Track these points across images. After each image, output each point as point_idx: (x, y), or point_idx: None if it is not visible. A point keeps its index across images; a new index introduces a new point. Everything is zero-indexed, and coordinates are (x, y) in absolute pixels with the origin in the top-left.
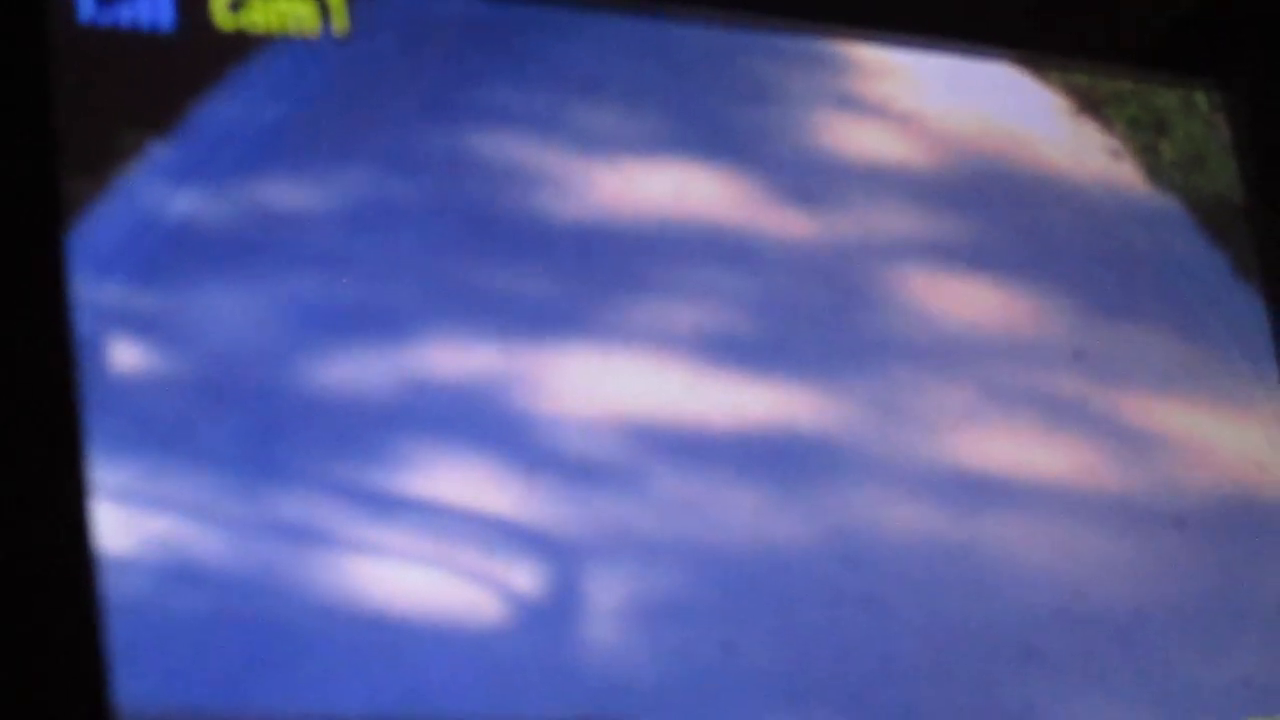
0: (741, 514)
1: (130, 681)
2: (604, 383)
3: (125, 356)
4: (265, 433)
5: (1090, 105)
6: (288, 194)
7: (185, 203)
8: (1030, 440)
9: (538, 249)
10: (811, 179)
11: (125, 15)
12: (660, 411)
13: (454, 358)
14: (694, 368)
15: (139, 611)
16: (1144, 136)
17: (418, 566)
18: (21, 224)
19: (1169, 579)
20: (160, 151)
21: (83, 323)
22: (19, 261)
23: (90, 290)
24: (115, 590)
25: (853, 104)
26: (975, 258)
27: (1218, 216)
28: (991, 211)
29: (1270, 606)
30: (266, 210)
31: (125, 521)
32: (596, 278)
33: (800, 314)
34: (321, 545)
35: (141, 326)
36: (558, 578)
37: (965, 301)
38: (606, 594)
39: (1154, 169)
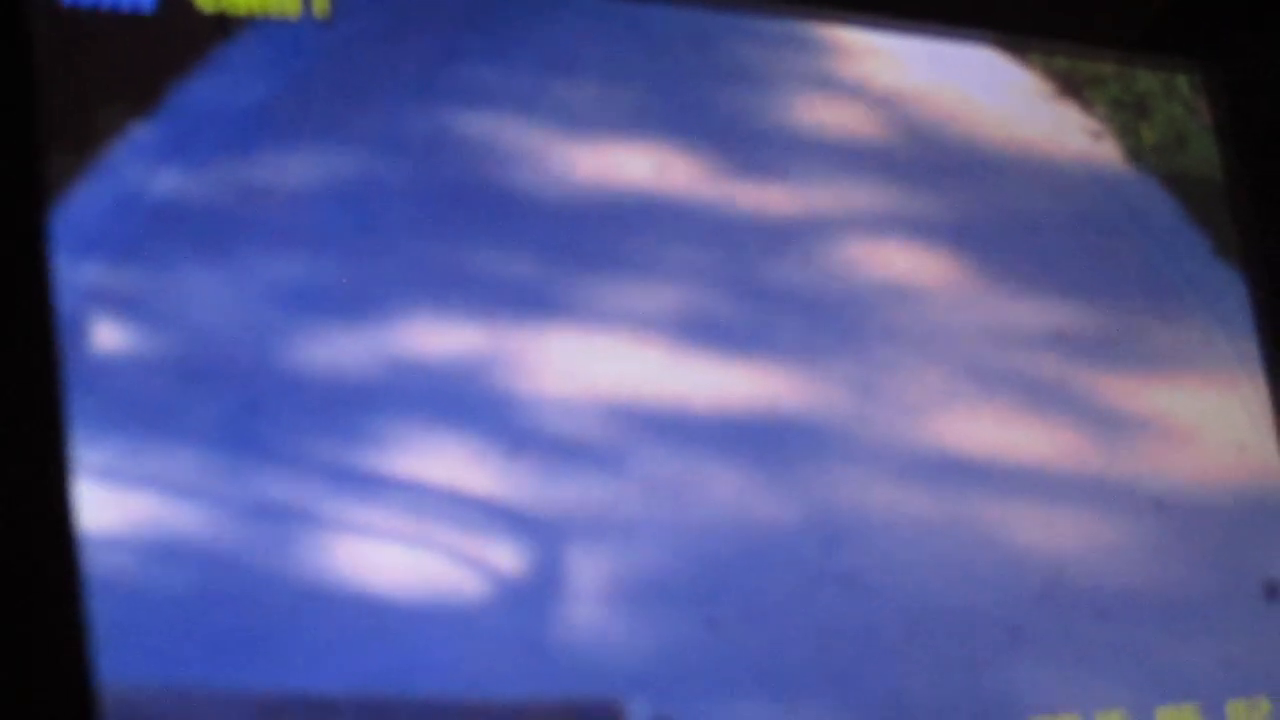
0: (723, 493)
1: (113, 658)
2: (585, 362)
3: (107, 336)
4: (248, 412)
5: (1071, 87)
6: (269, 174)
7: (167, 183)
8: (1011, 421)
9: (519, 228)
10: (792, 159)
11: None
12: (641, 391)
13: (436, 337)
14: (675, 347)
15: (122, 589)
16: (1125, 118)
17: (400, 545)
18: (3, 204)
19: (1150, 560)
20: (141, 132)
21: (64, 302)
22: (1, 242)
23: (72, 270)
24: (98, 568)
25: (833, 85)
26: (956, 239)
27: (1198, 198)
28: (972, 193)
29: (1251, 588)
30: (248, 190)
31: (108, 500)
32: (577, 257)
33: (781, 294)
34: (304, 524)
35: (123, 306)
36: (539, 557)
37: (947, 281)
38: (588, 573)
39: (1135, 151)
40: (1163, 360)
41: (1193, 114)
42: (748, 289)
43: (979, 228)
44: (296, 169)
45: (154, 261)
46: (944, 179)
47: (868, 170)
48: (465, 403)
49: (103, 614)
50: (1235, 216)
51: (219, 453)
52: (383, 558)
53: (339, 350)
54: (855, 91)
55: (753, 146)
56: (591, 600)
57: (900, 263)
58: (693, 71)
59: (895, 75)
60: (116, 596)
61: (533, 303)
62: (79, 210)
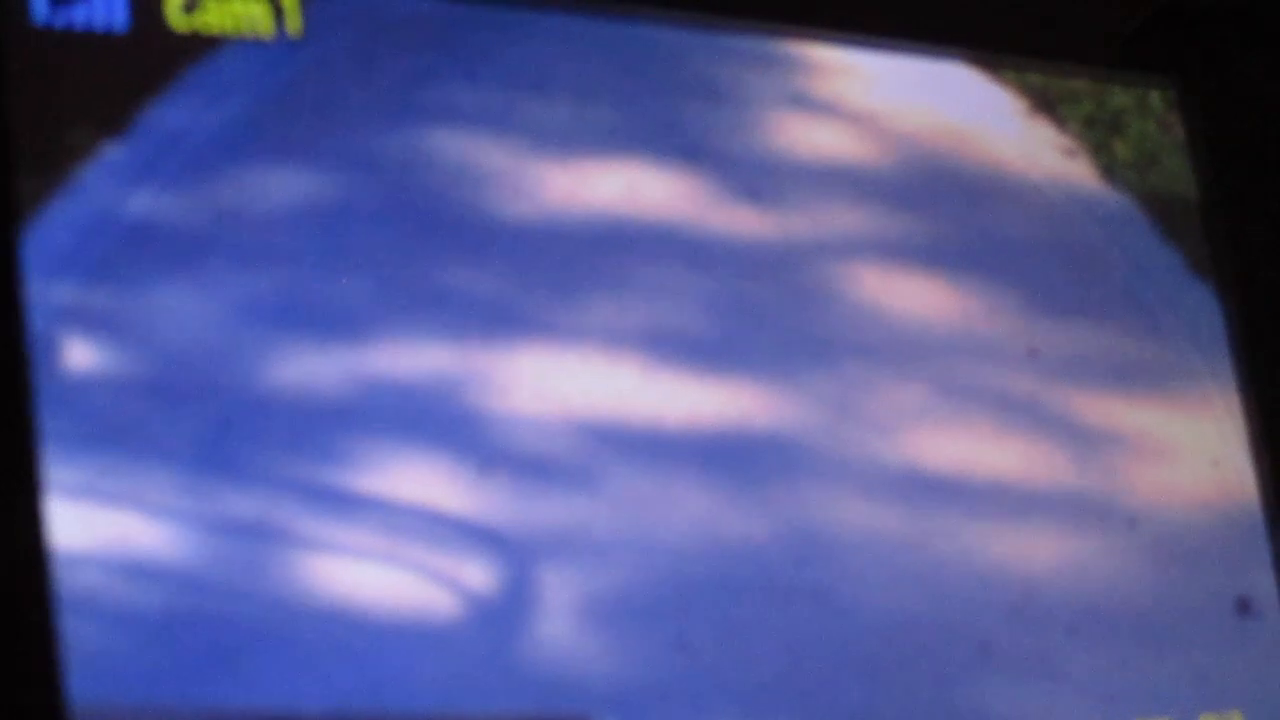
0: (694, 511)
1: (84, 677)
2: (557, 381)
3: (79, 355)
4: (219, 430)
5: (1044, 104)
6: (241, 194)
7: (139, 202)
8: (984, 438)
9: (490, 247)
10: (763, 177)
11: (79, 16)
12: (613, 410)
13: (408, 356)
14: (646, 366)
15: (93, 607)
16: (1098, 135)
17: (372, 563)
18: None
19: (1122, 577)
20: (114, 152)
21: (36, 321)
22: None
23: (44, 289)
24: (69, 586)
25: (805, 103)
26: (929, 256)
27: (1172, 215)
28: (945, 210)
29: (1223, 604)
30: (220, 210)
31: (79, 518)
32: (549, 276)
33: (753, 312)
34: (276, 542)
35: (95, 325)
36: (511, 574)
37: (918, 299)
38: (560, 590)
39: (1108, 168)
40: (1136, 377)
41: (1166, 131)
42: (719, 307)
43: (952, 245)
44: (269, 188)
45: (126, 281)
46: (917, 196)
47: (841, 188)
48: (437, 421)
49: (74, 633)
50: (1208, 233)
51: (191, 472)
52: (354, 576)
53: (311, 369)
54: (828, 110)
55: (725, 165)
56: (562, 618)
57: (874, 281)
58: (665, 90)
59: (869, 93)
60: (88, 615)
61: (504, 321)
62: (51, 230)
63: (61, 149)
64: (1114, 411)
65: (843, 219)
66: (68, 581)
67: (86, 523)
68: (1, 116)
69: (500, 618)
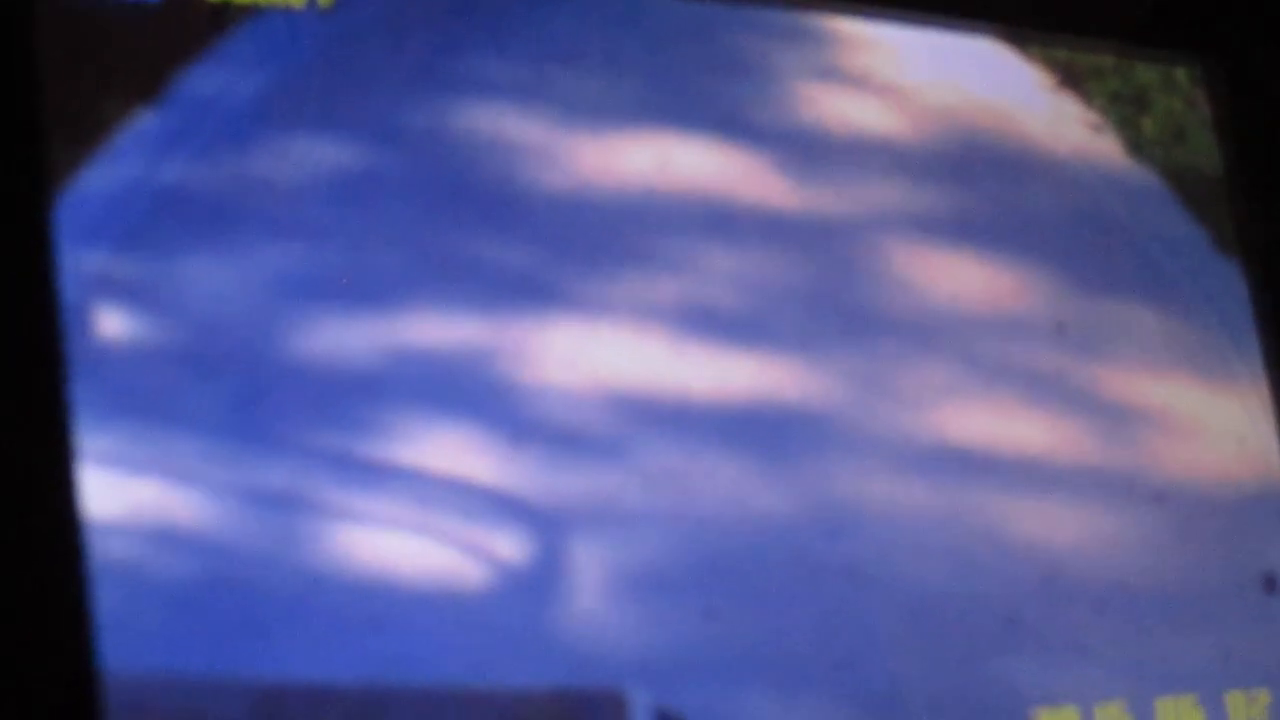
0: (724, 485)
1: (115, 646)
2: (588, 353)
3: (111, 323)
4: (250, 400)
5: (1071, 80)
6: (272, 164)
7: (170, 172)
8: (1011, 413)
9: (521, 219)
10: (793, 151)
11: None
12: (644, 382)
13: (438, 327)
14: (677, 338)
15: (124, 576)
16: (1124, 111)
17: (402, 534)
18: (8, 191)
19: (1149, 553)
20: (146, 121)
21: (69, 290)
22: (5, 229)
23: (76, 257)
24: (101, 555)
25: (834, 77)
26: (957, 231)
27: (1198, 191)
28: (973, 185)
29: (1250, 581)
30: (251, 179)
31: (111, 487)
32: (580, 248)
33: (783, 286)
34: (307, 512)
35: (127, 294)
36: (541, 546)
37: (947, 275)
38: (589, 563)
39: (1134, 144)
40: (1162, 354)
41: (1192, 107)
42: (749, 280)
43: (980, 220)
44: (300, 158)
45: (158, 250)
46: (946, 171)
47: (869, 162)
48: (467, 392)
49: (106, 601)
50: (1234, 211)
51: (222, 441)
52: (385, 546)
53: (342, 339)
54: (857, 84)
55: (753, 138)
56: (592, 590)
57: (901, 255)
58: (693, 63)
59: (896, 67)
60: (119, 584)
61: (534, 293)
62: (83, 198)
63: (94, 118)
64: (1141, 387)
65: (871, 193)
66: (99, 550)
67: (118, 492)
68: (35, 86)
69: (530, 589)
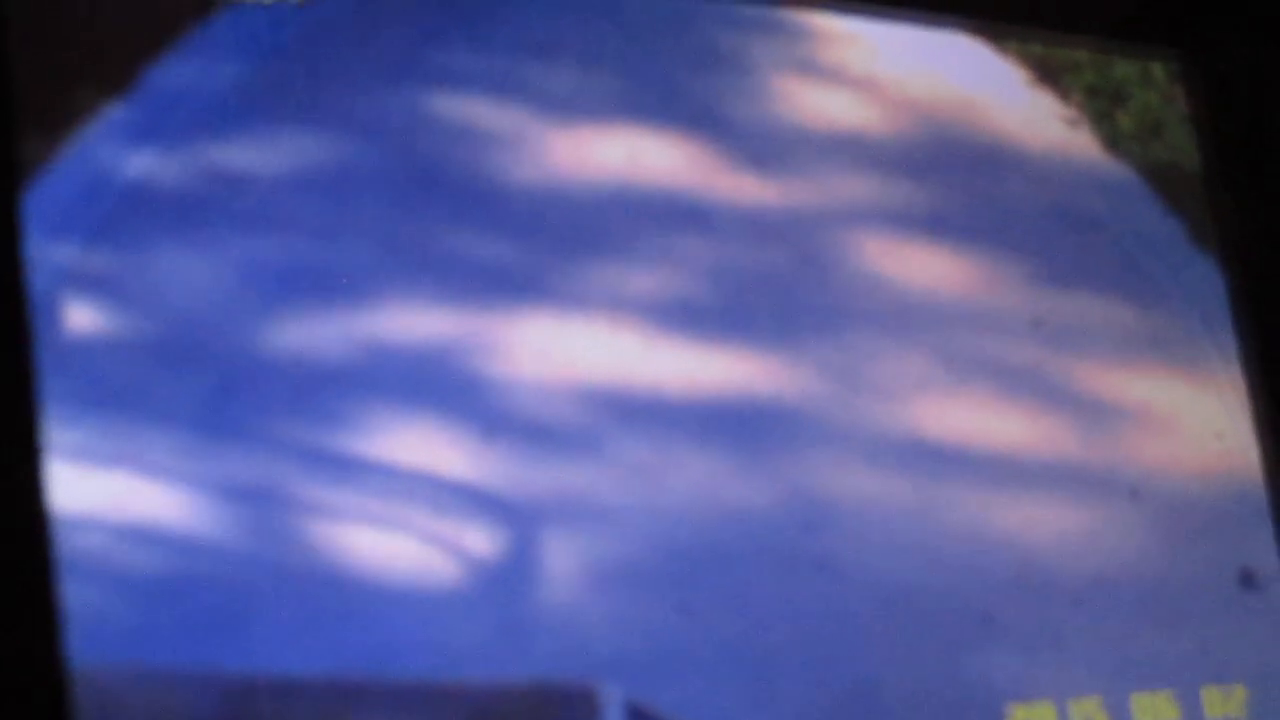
0: (698, 479)
1: (84, 640)
2: (560, 347)
3: (81, 317)
4: (221, 393)
5: (1048, 74)
6: (244, 155)
7: (141, 163)
8: (987, 408)
9: (494, 212)
10: (767, 145)
11: None
12: (616, 376)
13: (410, 320)
14: (650, 332)
15: (93, 570)
16: (1101, 106)
17: (374, 528)
18: None
19: (1125, 548)
20: (116, 112)
21: (38, 283)
22: None
23: (45, 250)
24: (70, 549)
25: (809, 71)
26: (932, 225)
27: (1175, 186)
28: (948, 179)
29: (1226, 576)
30: (222, 171)
31: (80, 481)
32: (552, 241)
33: (756, 280)
34: (277, 506)
35: (97, 287)
36: (514, 541)
37: (922, 268)
38: (563, 557)
39: (1111, 138)
40: (1139, 349)
41: (1169, 102)
42: (723, 274)
43: (956, 215)
44: (271, 151)
45: (128, 243)
46: (922, 166)
47: (845, 157)
48: (440, 386)
49: (75, 596)
50: (1212, 206)
51: (192, 435)
52: (356, 540)
53: (314, 333)
54: (832, 78)
55: (729, 133)
56: (565, 584)
57: (877, 249)
58: (668, 56)
59: (873, 62)
60: (89, 578)
61: (508, 287)
62: (52, 191)
63: (63, 109)
64: (1117, 383)
65: (846, 187)
66: (69, 544)
67: (87, 486)
68: (3, 75)
69: (502, 583)
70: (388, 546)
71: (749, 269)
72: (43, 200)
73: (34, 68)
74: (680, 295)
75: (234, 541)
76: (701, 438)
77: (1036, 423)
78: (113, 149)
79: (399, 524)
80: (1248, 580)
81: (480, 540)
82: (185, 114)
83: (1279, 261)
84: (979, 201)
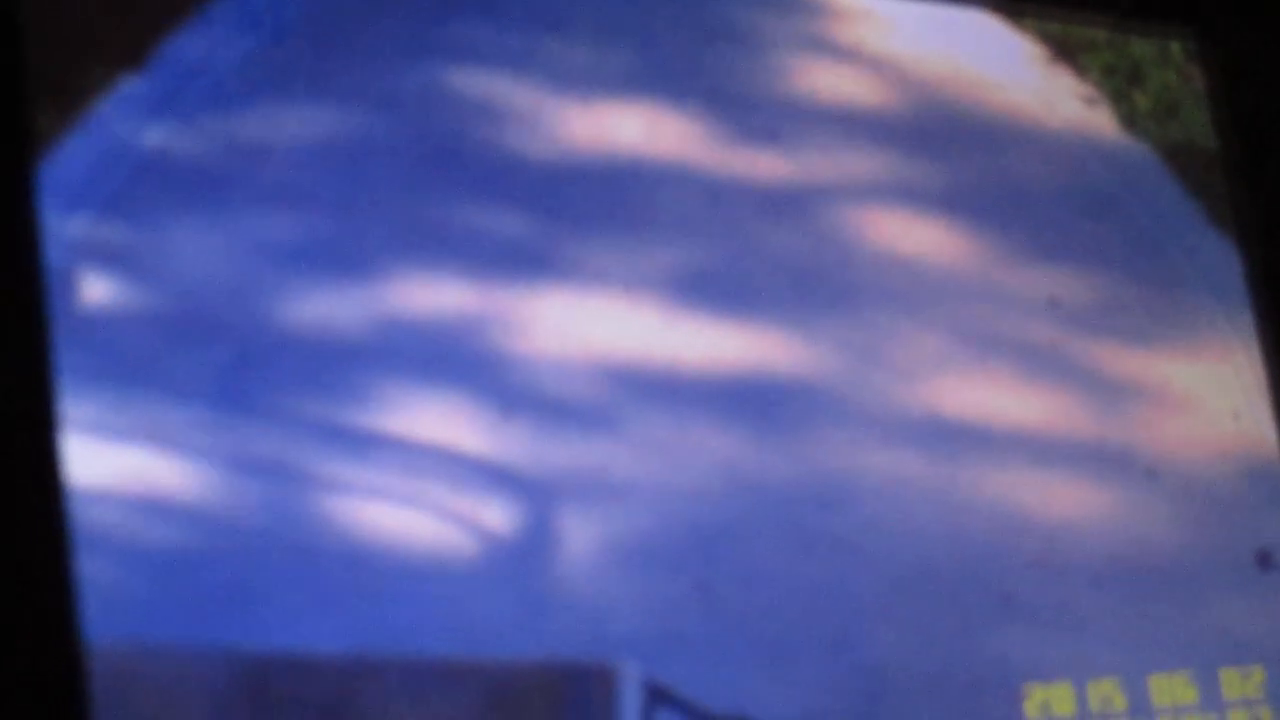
0: (715, 455)
1: (100, 615)
2: (578, 323)
3: (96, 290)
4: (236, 367)
5: (1064, 53)
6: (258, 129)
7: (156, 136)
8: (1004, 387)
9: (510, 187)
10: (783, 121)
11: None
12: (634, 353)
13: (427, 295)
14: (668, 309)
15: (109, 544)
16: (1118, 85)
17: (390, 504)
18: None
19: (1143, 528)
20: (131, 85)
21: (52, 255)
22: None
23: (60, 223)
24: (85, 522)
25: (825, 47)
26: (949, 203)
27: (1192, 166)
28: (965, 157)
29: (1244, 556)
30: (237, 145)
31: (95, 454)
32: (569, 216)
33: (774, 257)
34: (293, 481)
35: (112, 260)
36: (530, 517)
37: (939, 246)
38: (579, 534)
39: (1128, 117)
40: (1157, 328)
41: (1186, 81)
42: (741, 251)
43: (973, 193)
44: (286, 124)
45: (142, 216)
46: (938, 144)
47: (861, 134)
48: (457, 362)
49: (90, 570)
50: (1229, 185)
51: (208, 409)
52: (373, 516)
53: (329, 307)
54: (848, 55)
55: (745, 109)
56: (583, 562)
57: (894, 227)
58: (684, 32)
59: (889, 39)
60: (104, 552)
61: (524, 262)
62: (67, 163)
63: (78, 82)
64: (1134, 362)
65: (863, 164)
66: (84, 518)
67: (103, 459)
68: (20, 49)
69: (519, 560)
70: (404, 523)
71: (766, 245)
72: (57, 173)
73: (48, 40)
74: (698, 272)
75: (250, 517)
76: (719, 415)
77: (1053, 402)
78: (127, 122)
79: (416, 500)
80: (1266, 561)
81: (497, 517)
82: (200, 87)
83: None
84: (995, 179)
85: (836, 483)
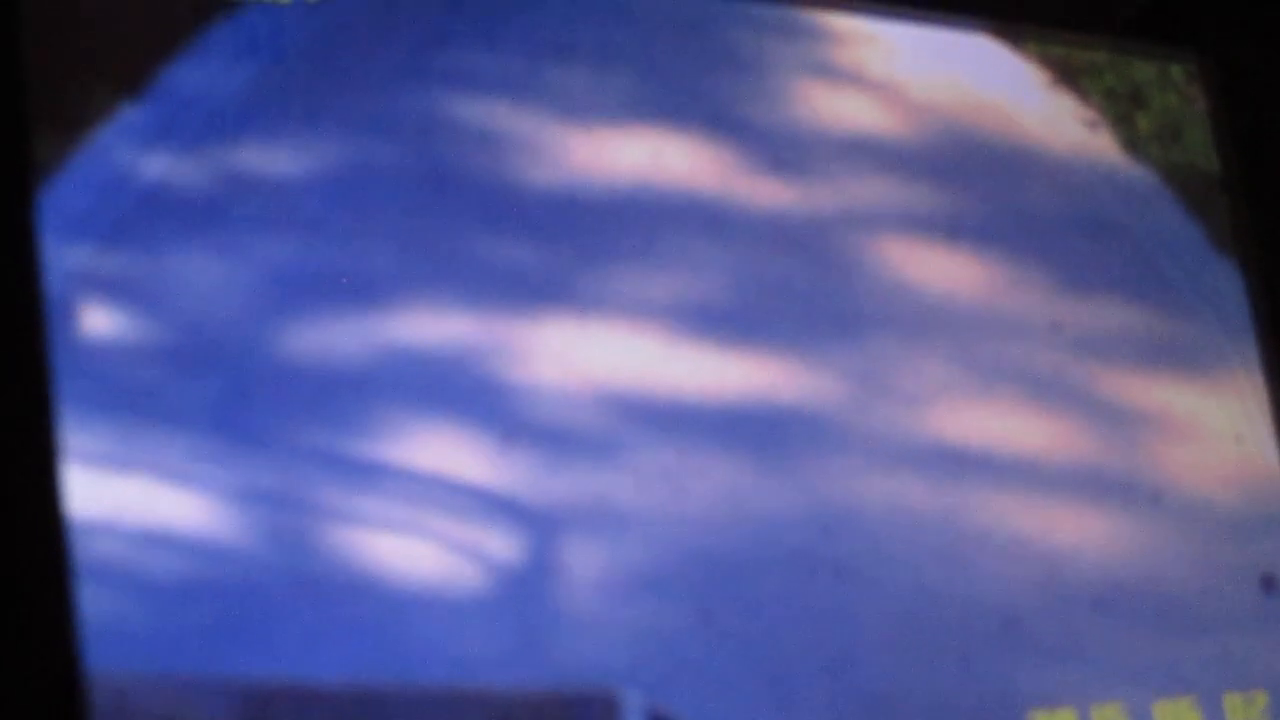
0: (718, 484)
1: (101, 646)
2: (580, 351)
3: (96, 320)
4: (239, 397)
5: (1067, 76)
6: (259, 157)
7: (157, 165)
8: (1008, 412)
9: (512, 215)
10: (787, 147)
11: None
12: (637, 381)
13: (428, 324)
14: (670, 337)
15: (110, 575)
16: (1120, 108)
17: (392, 533)
18: None
19: (1147, 552)
20: (131, 113)
21: (53, 284)
22: None
23: (60, 252)
24: (86, 554)
25: (828, 72)
26: (952, 228)
27: (1194, 189)
28: (968, 182)
29: (1248, 581)
30: (238, 174)
31: (96, 485)
32: (571, 244)
33: (777, 284)
34: (295, 511)
35: (113, 290)
36: (533, 547)
37: (942, 272)
38: (582, 563)
39: (1130, 140)
40: (1160, 353)
41: (1188, 104)
42: (743, 278)
43: (975, 217)
44: (287, 153)
45: (143, 245)
46: (941, 168)
47: (863, 159)
48: (458, 390)
49: (91, 600)
50: (1231, 209)
51: (209, 439)
52: (375, 546)
53: (331, 337)
54: (851, 79)
55: (747, 134)
56: (585, 590)
57: (897, 252)
58: (686, 57)
59: (890, 63)
60: (105, 582)
61: (526, 290)
62: (67, 192)
63: (78, 110)
64: (1138, 387)
65: (866, 189)
66: (85, 549)
67: (103, 490)
68: (18, 76)
69: (521, 589)
70: (407, 552)
71: (769, 272)
72: (57, 202)
73: (48, 68)
74: (700, 299)
75: (252, 546)
76: (722, 443)
77: (1057, 428)
78: (128, 150)
79: (418, 530)
80: (1270, 585)
81: (500, 546)
82: (201, 115)
83: None
84: (998, 204)
85: (840, 510)
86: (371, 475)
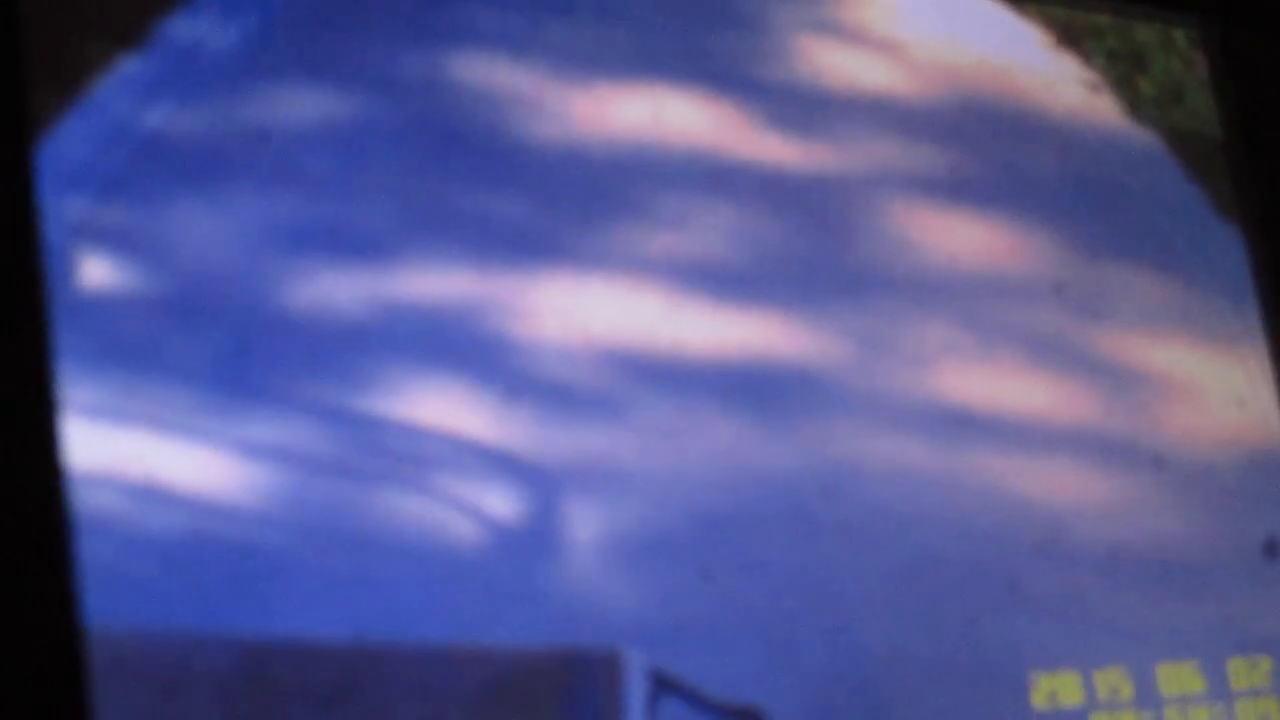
0: (720, 443)
1: (100, 599)
2: (582, 308)
3: (95, 272)
4: (239, 351)
5: (1069, 38)
6: (259, 111)
7: (155, 118)
8: (1010, 374)
9: (513, 171)
10: (789, 105)
11: None
12: (638, 338)
13: (429, 279)
14: (672, 295)
15: (109, 529)
16: (1122, 70)
17: (394, 490)
18: None
19: (1149, 516)
20: (129, 66)
21: (52, 236)
22: None
23: (59, 204)
24: (86, 507)
25: (830, 30)
26: (955, 190)
27: (1196, 153)
28: (971, 143)
29: (1251, 545)
30: (238, 126)
31: (96, 438)
32: (573, 201)
33: (780, 242)
34: (296, 466)
35: (112, 241)
36: (535, 504)
37: (945, 234)
38: (583, 521)
39: (1132, 103)
40: (1162, 316)
41: (1190, 68)
42: (745, 236)
43: (977, 179)
44: (288, 106)
45: (143, 197)
46: (944, 128)
47: (864, 118)
48: (459, 347)
49: (90, 554)
50: (1233, 173)
51: (209, 392)
52: (376, 502)
53: (332, 291)
54: (854, 39)
55: (750, 92)
56: (587, 549)
57: (899, 212)
58: (688, 15)
59: (894, 23)
60: (104, 537)
61: (528, 246)
62: (66, 144)
63: (77, 62)
64: (1140, 350)
65: (869, 149)
66: (84, 502)
67: (103, 443)
68: (17, 29)
69: (523, 547)
70: (408, 509)
71: (772, 231)
72: (56, 154)
73: (46, 20)
74: (702, 257)
75: (252, 502)
76: (724, 402)
77: (1060, 390)
78: (128, 102)
79: (419, 486)
80: (1272, 550)
81: (501, 503)
82: (200, 67)
83: None
84: (1001, 166)
85: (842, 470)
86: (372, 430)
